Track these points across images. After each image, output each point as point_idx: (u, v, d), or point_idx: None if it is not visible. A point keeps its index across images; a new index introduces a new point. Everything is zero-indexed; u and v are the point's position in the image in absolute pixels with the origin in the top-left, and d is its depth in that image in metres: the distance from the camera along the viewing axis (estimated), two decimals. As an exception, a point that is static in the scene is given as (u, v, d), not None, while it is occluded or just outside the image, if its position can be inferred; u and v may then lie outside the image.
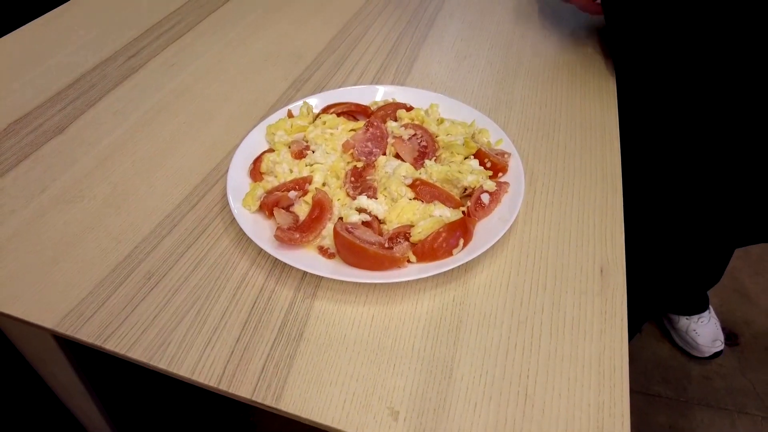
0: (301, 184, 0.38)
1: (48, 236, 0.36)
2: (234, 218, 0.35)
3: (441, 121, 0.44)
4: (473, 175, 0.38)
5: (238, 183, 0.38)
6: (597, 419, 0.27)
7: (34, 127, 0.45)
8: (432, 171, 0.39)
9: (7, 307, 0.32)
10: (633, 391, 0.91)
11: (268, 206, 0.36)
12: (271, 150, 0.42)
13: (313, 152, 0.41)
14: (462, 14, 0.60)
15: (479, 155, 0.40)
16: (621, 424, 0.27)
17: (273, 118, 0.43)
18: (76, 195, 0.39)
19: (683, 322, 0.95)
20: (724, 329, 0.98)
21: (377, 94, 0.47)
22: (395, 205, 0.37)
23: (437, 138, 0.42)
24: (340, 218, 0.36)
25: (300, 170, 0.40)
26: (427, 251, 0.33)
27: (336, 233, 0.34)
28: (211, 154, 0.43)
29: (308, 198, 0.37)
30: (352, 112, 0.45)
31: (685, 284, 0.92)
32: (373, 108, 0.46)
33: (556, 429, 0.26)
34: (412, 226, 0.35)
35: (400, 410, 0.27)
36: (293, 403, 0.27)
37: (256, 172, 0.40)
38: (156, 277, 0.33)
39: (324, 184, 0.39)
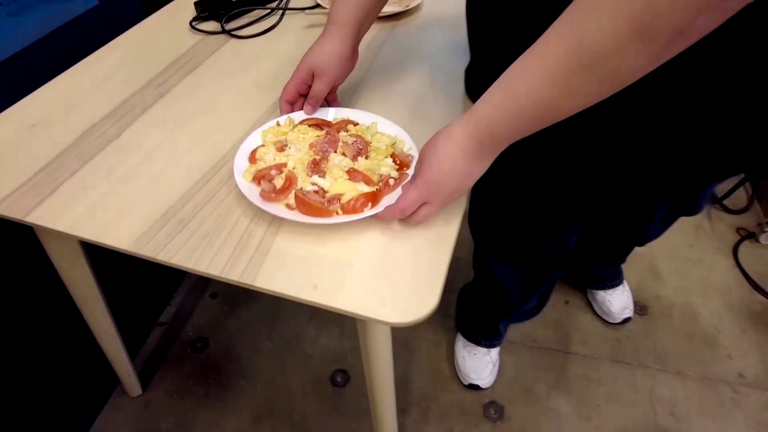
0: (279, 167, 0.59)
1: (115, 198, 0.57)
2: (237, 185, 0.56)
3: (374, 134, 0.65)
4: (386, 167, 0.59)
5: (240, 164, 0.59)
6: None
7: (99, 134, 0.66)
8: (362, 164, 0.60)
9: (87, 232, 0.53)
10: (555, 350, 1.12)
11: (258, 178, 0.57)
12: (262, 145, 0.63)
13: (290, 148, 0.62)
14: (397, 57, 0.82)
15: (393, 156, 0.61)
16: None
17: (267, 126, 0.65)
18: (132, 175, 0.60)
19: (601, 294, 1.16)
20: (636, 302, 1.19)
21: (338, 113, 0.68)
22: (335, 183, 0.57)
23: (370, 144, 0.63)
24: (301, 188, 0.57)
25: (279, 159, 0.60)
26: (350, 208, 0.54)
27: (296, 194, 0.55)
28: (222, 147, 0.64)
29: (283, 175, 0.58)
30: (319, 124, 0.66)
31: (605, 256, 1.12)
32: (333, 122, 0.67)
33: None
34: (343, 195, 0.56)
35: (317, 285, 0.48)
36: (264, 282, 0.48)
37: (252, 158, 0.61)
38: (188, 218, 0.55)
39: (294, 168, 0.60)
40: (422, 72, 0.77)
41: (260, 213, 0.55)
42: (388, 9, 0.86)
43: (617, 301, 1.14)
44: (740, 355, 1.11)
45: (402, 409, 1.01)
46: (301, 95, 0.65)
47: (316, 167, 0.59)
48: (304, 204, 0.54)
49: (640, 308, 1.19)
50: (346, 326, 1.14)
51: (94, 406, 0.98)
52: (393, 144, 0.63)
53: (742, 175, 1.42)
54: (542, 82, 0.38)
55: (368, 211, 0.54)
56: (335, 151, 0.61)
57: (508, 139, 0.44)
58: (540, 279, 0.86)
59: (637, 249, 1.09)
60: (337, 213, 0.54)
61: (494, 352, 1.06)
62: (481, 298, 0.98)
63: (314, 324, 1.14)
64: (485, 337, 1.04)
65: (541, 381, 1.06)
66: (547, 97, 0.39)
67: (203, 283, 1.21)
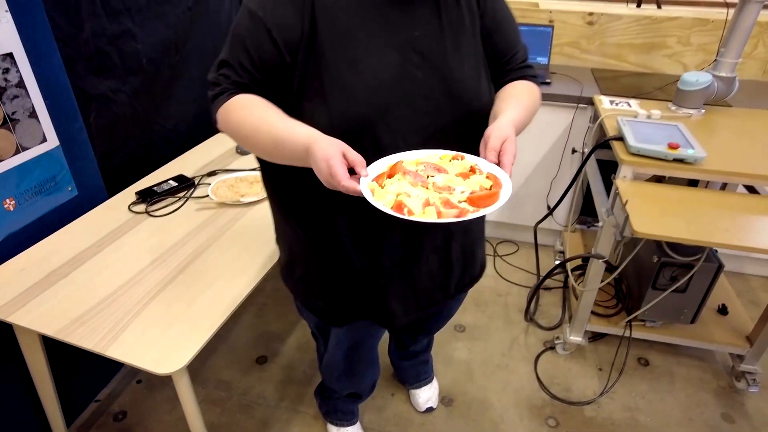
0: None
1: (62, 305, 1.09)
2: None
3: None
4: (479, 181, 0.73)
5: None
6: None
7: (59, 274, 1.20)
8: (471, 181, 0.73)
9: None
10: (373, 429, 1.52)
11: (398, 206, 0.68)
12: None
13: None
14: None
15: (473, 169, 0.75)
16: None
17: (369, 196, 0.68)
18: (70, 294, 1.12)
19: (413, 390, 1.59)
20: (445, 396, 1.61)
21: (380, 164, 0.75)
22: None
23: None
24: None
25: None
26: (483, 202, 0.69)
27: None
28: (121, 277, 1.17)
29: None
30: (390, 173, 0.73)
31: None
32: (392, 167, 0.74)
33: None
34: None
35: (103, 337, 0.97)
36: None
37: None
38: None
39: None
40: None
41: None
42: (249, 198, 1.43)
43: (424, 394, 1.56)
44: (508, 437, 1.50)
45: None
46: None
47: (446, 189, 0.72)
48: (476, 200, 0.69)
49: (448, 401, 1.60)
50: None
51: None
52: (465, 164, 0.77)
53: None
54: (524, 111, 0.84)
55: (496, 204, 0.69)
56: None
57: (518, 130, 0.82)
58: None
59: (458, 355, 1.55)
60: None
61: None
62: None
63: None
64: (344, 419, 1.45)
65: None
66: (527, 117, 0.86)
67: (133, 371, 1.67)
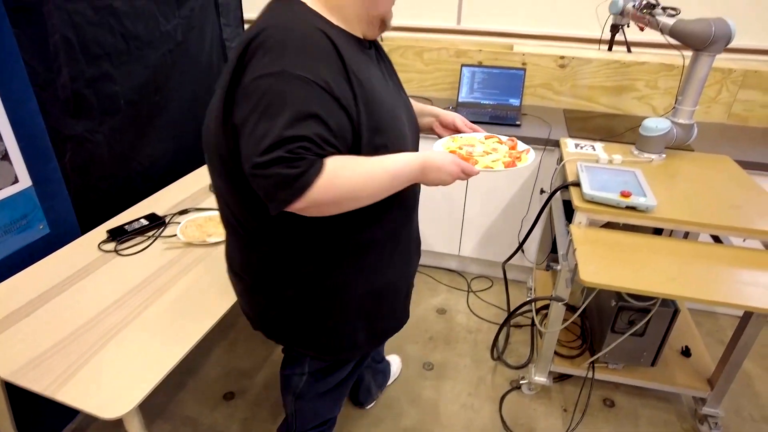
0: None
1: (23, 345, 1.11)
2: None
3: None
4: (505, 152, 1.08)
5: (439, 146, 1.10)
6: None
7: (25, 311, 1.23)
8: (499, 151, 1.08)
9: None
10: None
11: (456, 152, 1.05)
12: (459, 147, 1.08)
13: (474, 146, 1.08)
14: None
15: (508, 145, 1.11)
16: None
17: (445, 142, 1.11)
18: (33, 331, 1.15)
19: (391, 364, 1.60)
20: None
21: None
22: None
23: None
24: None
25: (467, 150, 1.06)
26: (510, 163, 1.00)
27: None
28: (85, 314, 1.20)
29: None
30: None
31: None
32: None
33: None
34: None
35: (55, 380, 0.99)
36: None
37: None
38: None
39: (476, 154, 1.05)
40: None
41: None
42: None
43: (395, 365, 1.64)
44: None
45: None
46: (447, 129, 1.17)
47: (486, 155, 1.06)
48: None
49: None
50: (192, 444, 1.58)
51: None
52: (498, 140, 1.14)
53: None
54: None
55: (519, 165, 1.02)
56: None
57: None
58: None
59: (425, 394, 1.60)
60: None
61: None
62: None
63: (171, 442, 1.59)
64: None
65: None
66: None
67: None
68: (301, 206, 0.76)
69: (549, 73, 2.30)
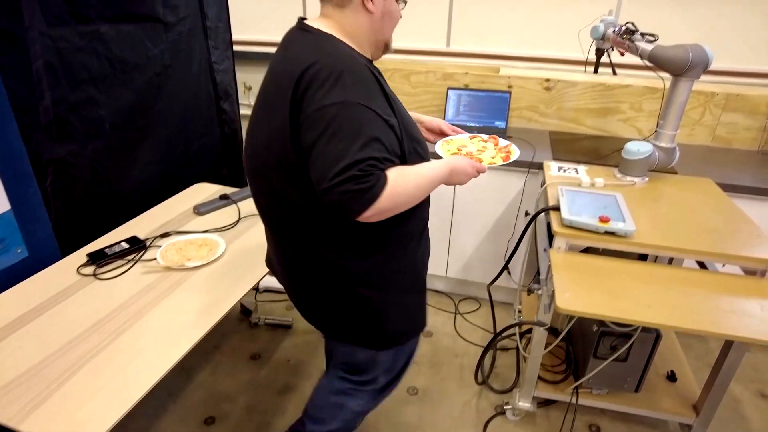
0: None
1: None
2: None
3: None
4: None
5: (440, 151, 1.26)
6: None
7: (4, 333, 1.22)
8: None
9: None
10: None
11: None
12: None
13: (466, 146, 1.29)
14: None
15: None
16: None
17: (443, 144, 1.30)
18: (10, 354, 1.14)
19: None
20: None
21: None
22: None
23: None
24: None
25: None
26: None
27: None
28: (61, 339, 1.18)
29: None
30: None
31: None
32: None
33: None
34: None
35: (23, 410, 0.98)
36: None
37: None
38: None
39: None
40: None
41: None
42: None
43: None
44: None
45: None
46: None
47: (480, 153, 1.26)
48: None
49: None
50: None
51: None
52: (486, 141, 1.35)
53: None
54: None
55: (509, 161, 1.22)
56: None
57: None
58: None
59: (407, 420, 1.61)
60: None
61: None
62: None
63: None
64: None
65: None
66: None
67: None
68: (369, 215, 0.88)
69: (535, 95, 2.33)
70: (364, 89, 0.90)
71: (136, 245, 1.55)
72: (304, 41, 0.96)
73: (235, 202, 1.88)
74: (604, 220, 1.38)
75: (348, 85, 0.88)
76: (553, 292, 1.26)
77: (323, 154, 0.86)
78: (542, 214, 1.61)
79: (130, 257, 1.52)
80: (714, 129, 2.21)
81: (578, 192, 1.58)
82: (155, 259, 1.49)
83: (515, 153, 1.25)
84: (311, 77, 0.88)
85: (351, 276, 1.06)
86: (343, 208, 0.87)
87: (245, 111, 3.66)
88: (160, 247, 1.54)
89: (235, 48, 2.75)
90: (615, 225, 1.37)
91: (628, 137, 2.29)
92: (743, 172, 1.95)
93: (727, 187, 1.80)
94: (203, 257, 1.49)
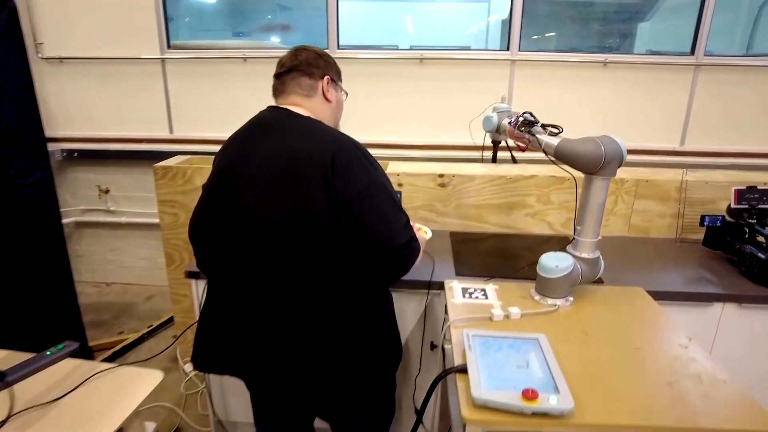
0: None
1: None
2: None
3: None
4: None
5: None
6: None
7: None
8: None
9: None
10: None
11: None
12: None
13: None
14: None
15: None
16: None
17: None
18: None
19: None
20: None
21: None
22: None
23: None
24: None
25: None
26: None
27: None
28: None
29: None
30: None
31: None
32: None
33: None
34: None
35: None
36: None
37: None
38: None
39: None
40: None
41: None
42: None
43: None
44: None
45: None
46: None
47: None
48: None
49: None
50: None
51: None
52: None
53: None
54: None
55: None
56: None
57: None
58: None
59: None
60: None
61: None
62: None
63: None
64: None
65: None
66: None
67: None
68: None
69: (429, 193, 1.97)
70: (375, 162, 1.14)
71: None
72: (301, 125, 1.13)
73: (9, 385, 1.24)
74: (529, 396, 0.94)
75: (369, 163, 1.10)
76: None
77: (385, 222, 1.08)
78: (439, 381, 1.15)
79: None
80: (629, 218, 1.96)
81: (491, 339, 1.15)
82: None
83: (428, 233, 1.39)
84: (343, 162, 1.05)
85: (372, 306, 1.22)
86: (410, 264, 1.15)
87: (103, 218, 3.01)
88: None
89: (90, 146, 2.28)
90: (546, 403, 0.94)
91: (539, 233, 1.97)
92: (668, 269, 1.67)
93: (659, 295, 1.48)
94: None
